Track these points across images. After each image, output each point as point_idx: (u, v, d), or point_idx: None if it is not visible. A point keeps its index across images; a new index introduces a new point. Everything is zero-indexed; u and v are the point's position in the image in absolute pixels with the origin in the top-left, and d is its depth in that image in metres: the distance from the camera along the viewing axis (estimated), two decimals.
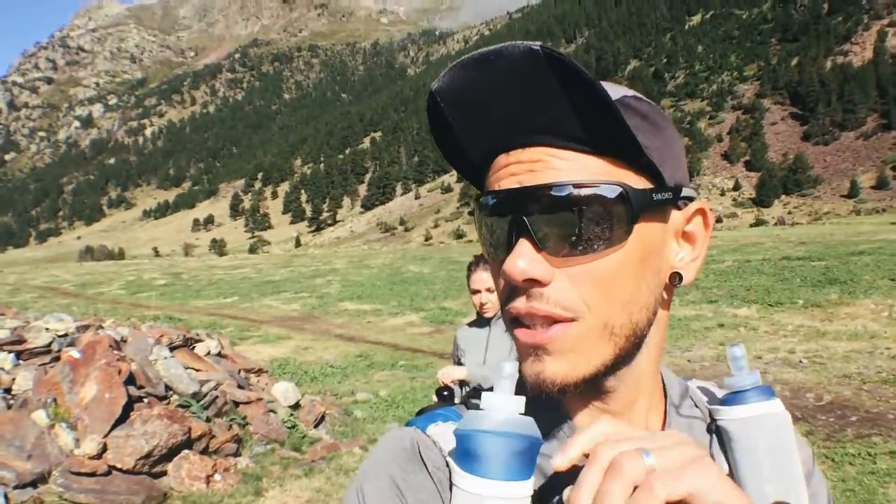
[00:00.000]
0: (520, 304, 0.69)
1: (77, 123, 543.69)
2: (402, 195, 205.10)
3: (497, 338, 3.77)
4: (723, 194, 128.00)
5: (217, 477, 6.09)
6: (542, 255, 0.67)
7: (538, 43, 0.64)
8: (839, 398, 8.50)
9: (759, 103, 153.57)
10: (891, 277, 17.24)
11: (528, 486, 0.67)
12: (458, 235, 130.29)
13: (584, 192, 0.67)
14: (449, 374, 3.58)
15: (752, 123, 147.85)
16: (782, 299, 16.09)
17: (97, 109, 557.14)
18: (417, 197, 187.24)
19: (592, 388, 0.74)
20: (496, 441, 0.65)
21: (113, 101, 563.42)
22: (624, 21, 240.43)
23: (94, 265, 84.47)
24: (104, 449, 5.77)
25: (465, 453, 0.68)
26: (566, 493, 0.58)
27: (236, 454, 6.71)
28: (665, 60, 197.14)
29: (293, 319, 20.58)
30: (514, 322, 0.71)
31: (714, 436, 0.85)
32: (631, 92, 0.73)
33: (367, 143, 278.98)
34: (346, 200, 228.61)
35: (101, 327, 8.24)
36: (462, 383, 3.63)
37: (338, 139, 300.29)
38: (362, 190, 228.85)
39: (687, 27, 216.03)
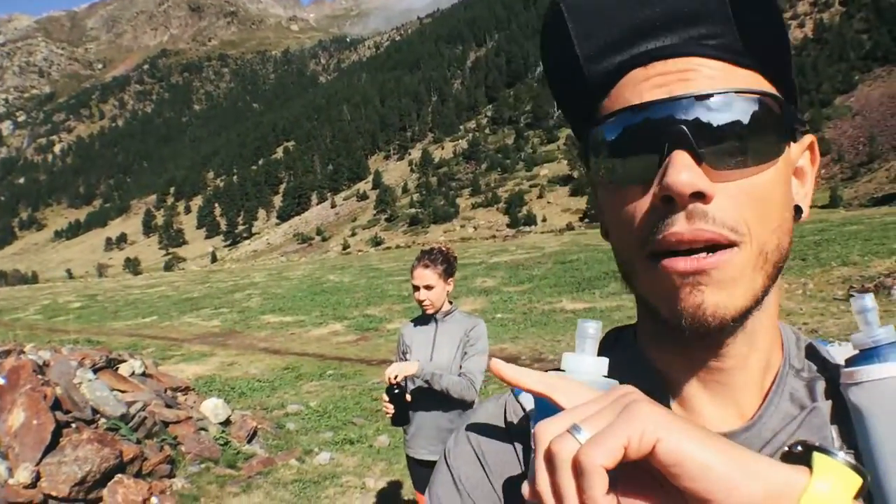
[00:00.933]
0: (681, 227, 0.61)
1: None
2: (317, 204, 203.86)
3: (444, 334, 3.79)
4: None
5: (154, 500, 6.01)
6: (703, 168, 0.62)
7: None
8: None
9: None
10: (801, 258, 18.10)
11: None
12: (377, 243, 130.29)
13: (747, 101, 0.63)
14: (403, 369, 3.59)
15: None
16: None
17: (6, 127, 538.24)
18: (333, 206, 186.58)
19: (721, 335, 0.66)
20: None
21: (22, 117, 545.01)
22: (533, 23, 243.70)
23: (7, 290, 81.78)
24: (38, 477, 5.64)
25: (546, 416, 0.62)
26: (525, 487, 0.55)
27: (171, 475, 6.63)
28: None
29: (215, 336, 20.33)
30: (659, 255, 0.63)
31: (833, 402, 0.71)
32: None
33: (280, 153, 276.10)
34: (262, 212, 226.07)
35: (23, 352, 8.03)
36: (407, 379, 3.70)
37: (250, 150, 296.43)
38: (277, 201, 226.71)
39: None
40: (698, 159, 0.61)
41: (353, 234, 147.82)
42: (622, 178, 0.67)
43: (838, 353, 0.77)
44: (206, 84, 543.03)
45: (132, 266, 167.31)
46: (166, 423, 7.41)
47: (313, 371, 12.91)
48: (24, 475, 5.55)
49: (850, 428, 0.69)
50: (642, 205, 0.65)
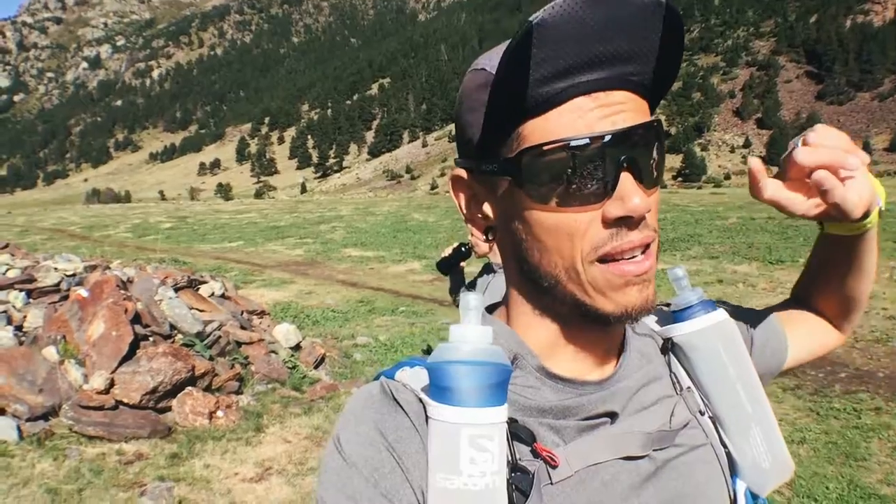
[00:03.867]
0: (635, 237, 0.73)
1: (85, 64, 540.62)
2: (409, 143, 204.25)
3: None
4: (732, 151, 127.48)
5: (219, 413, 6.28)
6: (640, 188, 0.73)
7: None
8: (830, 355, 8.62)
9: (774, 60, 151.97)
10: (895, 240, 17.27)
11: (502, 412, 0.69)
12: None
13: (658, 128, 0.76)
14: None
15: (765, 80, 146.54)
16: (783, 257, 16.14)
17: (105, 50, 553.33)
18: (424, 145, 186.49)
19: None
20: (466, 370, 0.67)
21: (121, 42, 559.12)
22: None
23: (100, 208, 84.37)
24: (111, 384, 5.96)
25: (439, 386, 0.69)
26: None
27: (238, 392, 6.91)
28: (680, 13, 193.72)
29: (297, 264, 20.71)
30: (606, 260, 0.74)
31: (670, 354, 0.93)
32: None
33: (375, 89, 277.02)
34: (353, 147, 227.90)
35: (109, 268, 8.40)
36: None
37: (346, 85, 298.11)
38: (369, 137, 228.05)
39: None
40: (639, 181, 0.73)
41: (442, 175, 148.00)
42: (565, 199, 0.74)
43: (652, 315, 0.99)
44: (305, 17, 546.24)
45: (224, 191, 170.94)
46: (239, 344, 7.69)
47: (386, 306, 13.09)
48: (98, 381, 5.87)
49: (687, 368, 0.93)
50: (591, 220, 0.74)
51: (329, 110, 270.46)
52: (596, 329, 0.81)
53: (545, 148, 0.72)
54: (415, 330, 10.85)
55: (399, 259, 20.64)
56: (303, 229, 32.94)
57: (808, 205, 0.83)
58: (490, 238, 0.87)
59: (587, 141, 0.71)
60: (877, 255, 1.01)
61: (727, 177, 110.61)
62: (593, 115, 0.71)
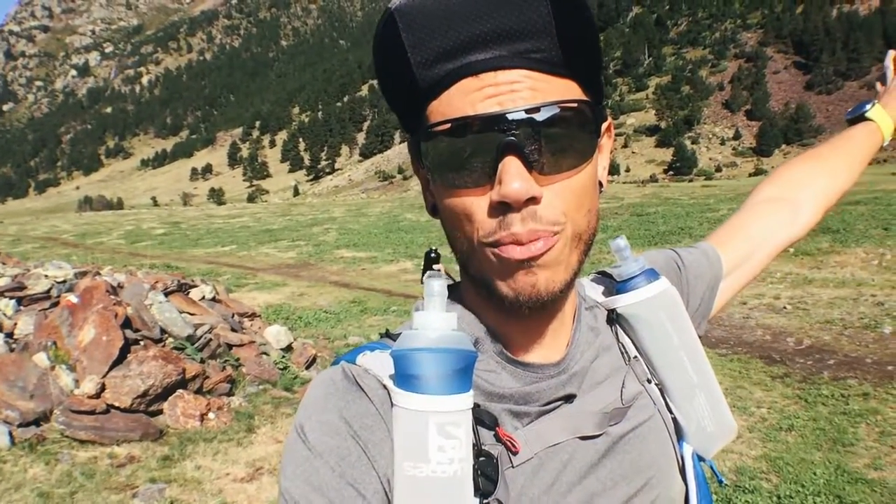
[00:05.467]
0: (518, 229, 0.70)
1: (74, 72, 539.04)
2: (400, 143, 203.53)
3: None
4: (722, 143, 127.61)
5: (211, 415, 6.32)
6: (532, 174, 0.69)
7: None
8: (819, 342, 8.71)
9: (761, 52, 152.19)
10: (884, 227, 17.34)
11: (468, 398, 0.69)
12: None
13: (568, 111, 0.71)
14: None
15: (754, 72, 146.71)
16: None
17: (94, 58, 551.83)
18: None
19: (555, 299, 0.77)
20: (433, 357, 0.67)
21: (109, 49, 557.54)
22: None
23: (93, 215, 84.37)
24: (102, 388, 5.99)
25: (404, 373, 0.68)
26: None
27: (229, 394, 6.94)
28: (668, 7, 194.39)
29: (289, 267, 20.77)
30: (498, 245, 0.72)
31: (616, 325, 0.95)
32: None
33: (365, 90, 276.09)
34: (345, 149, 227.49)
35: (99, 274, 8.43)
36: None
37: (336, 87, 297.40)
38: (361, 138, 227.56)
39: None
40: (528, 166, 0.69)
41: None
42: (459, 183, 0.73)
43: (594, 285, 1.02)
44: (294, 20, 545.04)
45: (216, 196, 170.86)
46: (230, 346, 7.72)
47: (379, 306, 13.14)
48: (89, 386, 5.90)
49: (632, 337, 0.94)
50: (480, 206, 0.72)
51: (320, 112, 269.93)
52: (531, 316, 0.79)
53: (432, 130, 0.72)
54: None
55: (391, 259, 20.71)
56: (295, 232, 33.00)
57: None
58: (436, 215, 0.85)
59: (464, 123, 0.70)
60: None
61: (718, 169, 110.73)
62: (477, 97, 0.69)
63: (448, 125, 0.71)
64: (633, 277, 0.92)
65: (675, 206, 29.69)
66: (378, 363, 0.77)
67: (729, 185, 50.18)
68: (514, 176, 0.68)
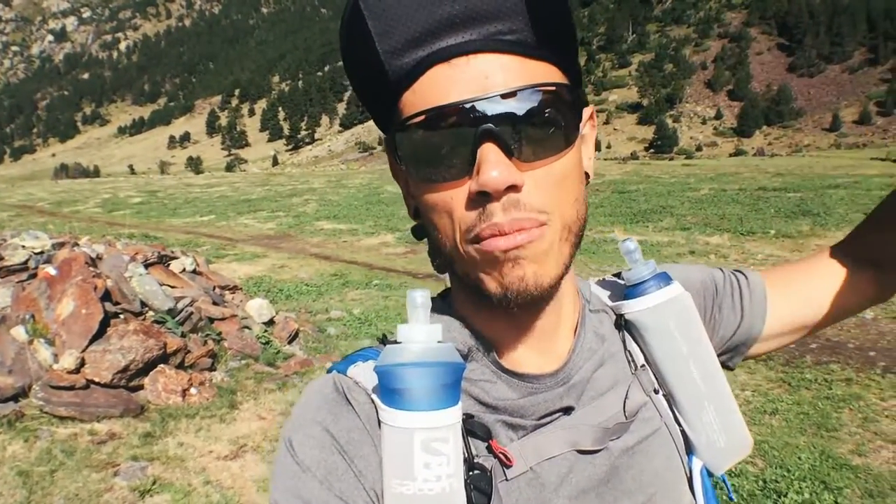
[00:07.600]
0: (500, 219, 0.66)
1: (51, 37, 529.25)
2: None
3: None
4: (704, 123, 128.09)
5: (193, 391, 6.23)
6: (512, 161, 0.66)
7: None
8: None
9: (745, 32, 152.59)
10: (864, 212, 17.41)
11: (456, 412, 0.68)
12: None
13: (545, 94, 0.68)
14: None
15: (737, 52, 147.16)
16: (755, 229, 16.31)
17: (71, 23, 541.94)
18: None
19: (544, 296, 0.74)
20: (415, 372, 0.65)
21: (87, 13, 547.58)
22: None
23: (69, 183, 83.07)
24: (82, 363, 5.88)
25: (389, 389, 0.67)
26: None
27: (211, 369, 6.85)
28: None
29: (269, 238, 20.59)
30: (481, 239, 0.68)
31: (624, 331, 0.90)
32: None
33: None
34: (325, 119, 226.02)
35: (77, 244, 8.26)
36: None
37: (317, 56, 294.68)
38: (341, 108, 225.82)
39: None
40: (508, 153, 0.66)
41: None
42: (436, 177, 0.70)
43: (602, 288, 0.97)
44: None
45: (194, 165, 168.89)
46: (212, 320, 7.62)
47: (360, 279, 13.05)
48: (68, 361, 5.78)
49: (640, 345, 0.90)
50: (460, 198, 0.69)
51: (300, 82, 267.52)
52: (522, 315, 0.78)
53: (406, 123, 0.70)
54: (389, 303, 10.83)
55: (372, 231, 20.58)
56: (275, 202, 32.73)
57: None
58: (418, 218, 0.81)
59: (438, 113, 0.67)
60: None
61: (699, 148, 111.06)
62: (450, 84, 0.67)
63: (422, 116, 0.68)
64: (643, 282, 0.88)
65: (655, 185, 29.76)
66: (368, 375, 0.76)
67: (709, 164, 50.34)
68: (492, 164, 0.65)
